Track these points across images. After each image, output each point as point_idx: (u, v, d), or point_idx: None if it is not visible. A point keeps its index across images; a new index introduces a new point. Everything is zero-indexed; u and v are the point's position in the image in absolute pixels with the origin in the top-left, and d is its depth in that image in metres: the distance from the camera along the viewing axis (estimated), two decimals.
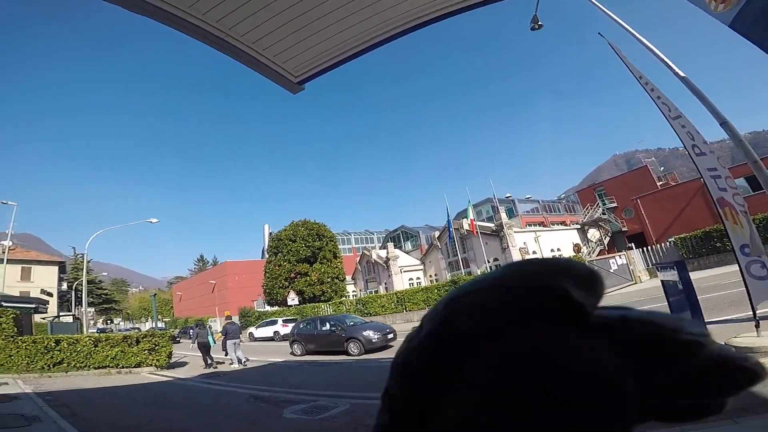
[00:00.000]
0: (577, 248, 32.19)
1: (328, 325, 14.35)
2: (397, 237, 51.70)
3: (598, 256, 29.15)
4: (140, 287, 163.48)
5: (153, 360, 13.79)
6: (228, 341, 13.38)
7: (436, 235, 36.92)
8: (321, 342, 14.11)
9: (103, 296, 65.46)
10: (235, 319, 38.01)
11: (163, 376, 12.58)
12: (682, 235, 21.76)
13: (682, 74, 6.23)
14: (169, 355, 14.32)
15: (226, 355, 13.61)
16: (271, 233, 40.64)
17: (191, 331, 21.92)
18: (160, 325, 44.81)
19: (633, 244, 28.02)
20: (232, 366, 13.16)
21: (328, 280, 33.78)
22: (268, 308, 37.09)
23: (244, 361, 13.25)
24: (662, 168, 45.19)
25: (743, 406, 3.64)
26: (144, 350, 13.77)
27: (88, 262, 30.26)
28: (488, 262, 29.49)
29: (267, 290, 35.13)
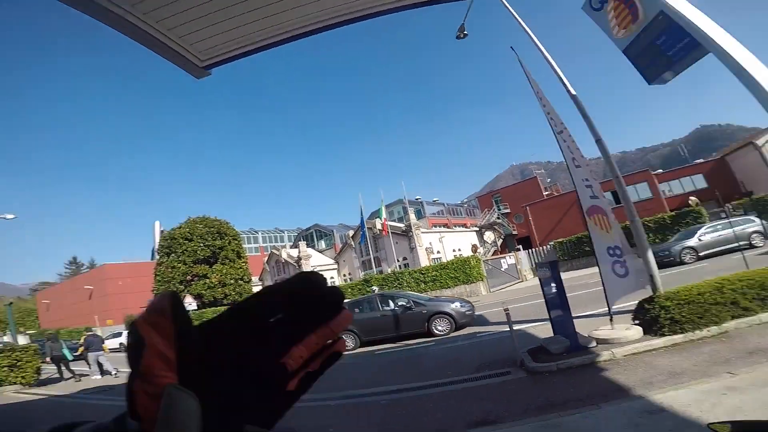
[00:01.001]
0: (474, 248, 35.11)
1: (392, 303, 11.62)
2: (310, 236, 50.88)
3: (492, 256, 32.20)
4: None
5: (17, 377, 11.98)
6: (90, 354, 12.94)
7: (351, 234, 37.19)
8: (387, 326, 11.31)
9: None
10: (120, 327, 33.82)
11: (33, 394, 11.05)
12: (561, 240, 25.19)
13: (573, 92, 7.25)
14: (38, 371, 12.62)
15: (90, 368, 13.18)
16: (162, 231, 36.62)
17: (44, 344, 19.29)
18: (22, 339, 37.59)
19: (521, 246, 31.67)
20: (95, 377, 12.83)
21: (231, 282, 31.62)
22: None
23: (115, 373, 12.50)
24: (549, 179, 51.72)
25: (603, 393, 4.26)
26: (2, 367, 11.70)
27: None
28: (398, 261, 30.68)
29: (157, 295, 31.95)
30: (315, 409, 6.11)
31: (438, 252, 32.36)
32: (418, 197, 46.07)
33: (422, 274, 21.47)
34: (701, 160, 40.65)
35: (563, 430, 3.47)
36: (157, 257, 33.41)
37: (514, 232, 41.34)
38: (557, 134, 6.91)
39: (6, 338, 46.94)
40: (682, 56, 7.76)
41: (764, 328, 5.46)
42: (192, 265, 30.94)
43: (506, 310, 6.45)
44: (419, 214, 41.73)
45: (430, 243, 31.98)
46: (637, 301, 6.36)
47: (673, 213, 22.40)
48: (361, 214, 30.10)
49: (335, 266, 38.38)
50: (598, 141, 6.87)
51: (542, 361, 5.67)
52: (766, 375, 3.75)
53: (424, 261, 28.94)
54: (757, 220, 15.78)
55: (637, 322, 6.10)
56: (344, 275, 37.14)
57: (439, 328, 10.60)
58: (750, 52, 6.68)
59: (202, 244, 31.27)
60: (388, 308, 11.53)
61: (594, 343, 5.80)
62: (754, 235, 15.11)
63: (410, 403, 5.62)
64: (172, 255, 31.40)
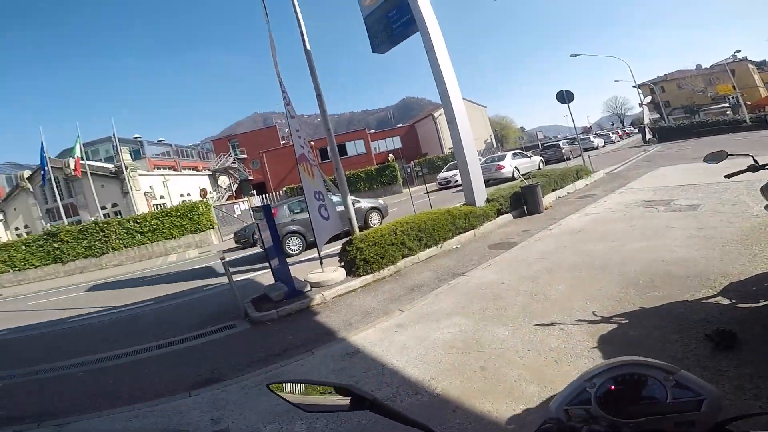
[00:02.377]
0: (203, 192, 32.82)
1: None
2: None
3: (226, 201, 31.06)
4: None
5: None
6: None
7: (26, 176, 27.18)
8: None
9: None
10: None
11: None
12: (292, 186, 26.94)
13: (308, 47, 7.37)
14: None
15: None
16: None
17: None
18: None
19: (256, 191, 31.81)
20: None
21: None
22: None
23: None
24: (287, 130, 52.99)
25: (316, 337, 4.62)
26: None
27: None
28: (105, 208, 25.01)
29: None
30: None
31: (162, 197, 28.40)
32: (136, 136, 37.90)
33: (138, 223, 18.30)
34: (401, 125, 52.01)
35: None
36: None
37: (250, 178, 41.06)
38: (280, 84, 7.01)
39: None
40: (400, 31, 9.35)
41: (421, 265, 6.67)
42: None
43: (222, 259, 6.31)
44: (137, 155, 34.63)
45: (151, 187, 27.60)
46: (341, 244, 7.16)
47: (377, 167, 28.25)
48: (42, 151, 22.33)
49: (0, 217, 27.53)
50: (319, 96, 7.41)
51: (265, 310, 5.84)
52: (420, 310, 4.40)
53: (143, 207, 24.79)
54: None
55: (342, 264, 6.92)
56: (17, 228, 27.33)
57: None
58: (441, 36, 8.70)
59: None
60: None
61: (309, 287, 6.31)
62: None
63: (121, 370, 4.95)
64: None
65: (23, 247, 17.83)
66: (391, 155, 34.99)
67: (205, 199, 24.07)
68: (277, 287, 6.40)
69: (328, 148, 7.83)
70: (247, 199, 25.67)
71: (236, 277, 7.31)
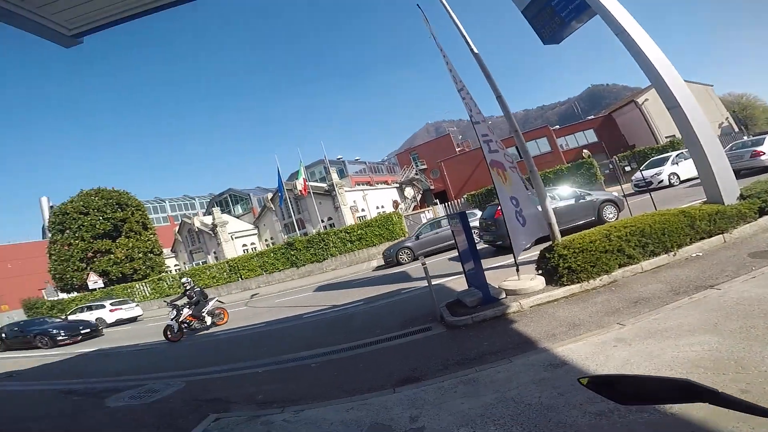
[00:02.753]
0: (395, 204, 36.18)
1: None
2: (225, 201, 47.80)
3: (413, 211, 33.49)
4: None
5: None
6: None
7: (269, 197, 35.74)
8: None
9: None
10: (19, 312, 29.65)
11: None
12: (473, 192, 26.89)
13: (476, 51, 7.40)
14: None
15: None
16: (52, 207, 32.04)
17: None
18: None
19: (438, 200, 33.25)
20: None
21: (140, 255, 29.05)
22: (64, 296, 29.89)
23: None
24: (461, 136, 54.16)
25: (513, 345, 4.53)
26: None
27: None
28: (322, 221, 30.43)
29: (56, 275, 28.14)
30: (241, 378, 6.04)
31: (363, 210, 32.70)
32: (339, 157, 45.37)
33: (348, 233, 21.59)
34: (592, 117, 45.61)
35: (480, 384, 3.64)
36: (50, 235, 29.41)
37: (432, 187, 43.21)
38: (459, 91, 7.01)
39: None
40: (572, 17, 8.29)
41: (646, 276, 5.79)
42: (92, 240, 27.81)
43: (424, 264, 6.69)
44: (342, 173, 41.29)
45: (354, 201, 32.11)
46: (539, 251, 6.72)
47: (569, 165, 25.29)
48: (279, 175, 28.90)
49: (255, 231, 36.97)
50: (499, 98, 7.14)
51: (459, 315, 5.94)
52: (649, 326, 3.92)
53: (349, 220, 29.10)
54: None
55: (540, 271, 6.47)
56: (266, 240, 36.02)
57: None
58: (630, 16, 7.38)
59: (100, 218, 28.11)
60: None
61: (504, 295, 6.14)
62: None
63: (341, 363, 5.67)
64: (67, 231, 27.96)
65: (271, 254, 23.21)
66: (585, 150, 31.12)
67: (397, 210, 26.57)
68: (472, 293, 6.44)
69: (517, 149, 7.42)
70: (431, 208, 27.07)
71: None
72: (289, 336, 8.49)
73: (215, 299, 11.88)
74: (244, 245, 35.30)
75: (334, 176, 31.65)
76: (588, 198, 11.23)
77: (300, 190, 30.97)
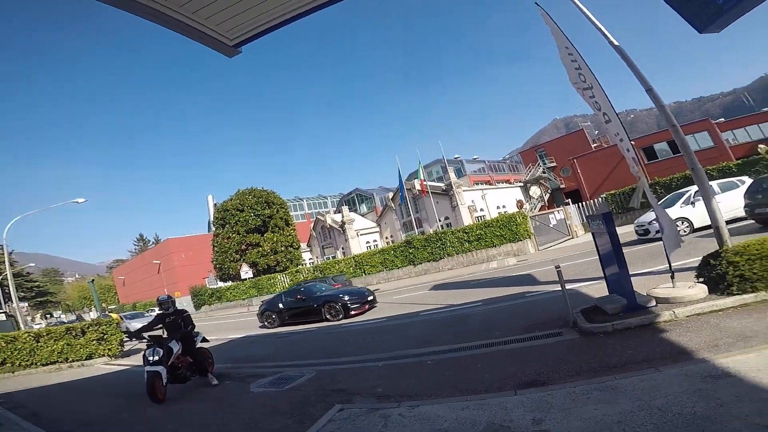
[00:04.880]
0: (519, 204, 34.09)
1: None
2: (352, 200, 51.63)
3: (539, 211, 31.11)
4: (76, 275, 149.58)
5: (104, 350, 12.99)
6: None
7: (390, 197, 37.31)
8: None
9: (35, 289, 60.37)
10: (187, 298, 36.83)
11: (118, 365, 11.97)
12: (613, 192, 23.65)
13: (616, 43, 6.60)
14: (121, 343, 13.59)
15: None
16: (216, 204, 38.53)
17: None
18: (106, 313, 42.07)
19: (570, 200, 30.21)
20: None
21: (282, 249, 33.16)
22: (221, 284, 35.98)
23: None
24: (597, 132, 48.43)
25: (663, 355, 4.09)
26: (92, 341, 12.91)
27: (10, 253, 27.39)
28: (440, 220, 30.54)
29: (217, 265, 33.86)
30: (363, 371, 6.38)
31: (481, 210, 31.76)
32: (457, 156, 44.90)
33: (466, 233, 21.20)
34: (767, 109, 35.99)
35: (619, 392, 3.37)
36: (213, 229, 35.60)
37: (562, 186, 39.53)
38: (584, 90, 6.42)
39: (92, 314, 52.86)
40: (732, 4, 6.62)
41: None
42: (245, 234, 32.72)
43: (557, 267, 6.22)
44: (459, 173, 40.77)
45: (473, 201, 31.38)
46: (701, 257, 5.89)
47: (739, 161, 20.56)
48: (399, 176, 29.89)
49: (377, 229, 38.95)
50: (649, 91, 6.28)
51: (597, 322, 5.48)
52: None
53: (467, 219, 28.59)
54: None
55: (701, 279, 5.67)
56: (386, 237, 37.66)
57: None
58: None
59: (252, 214, 32.85)
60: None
61: (653, 303, 5.50)
62: None
63: (457, 363, 5.67)
64: (227, 226, 33.32)
65: (392, 251, 24.15)
66: (761, 146, 25.03)
67: (521, 210, 25.06)
68: (614, 299, 5.83)
69: (679, 145, 6.34)
70: (562, 208, 24.71)
71: (559, 287, 7.10)
72: (407, 332, 8.66)
73: (200, 335, 7.83)
74: (368, 242, 37.56)
75: (452, 176, 31.45)
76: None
77: (418, 190, 31.62)
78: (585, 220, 23.61)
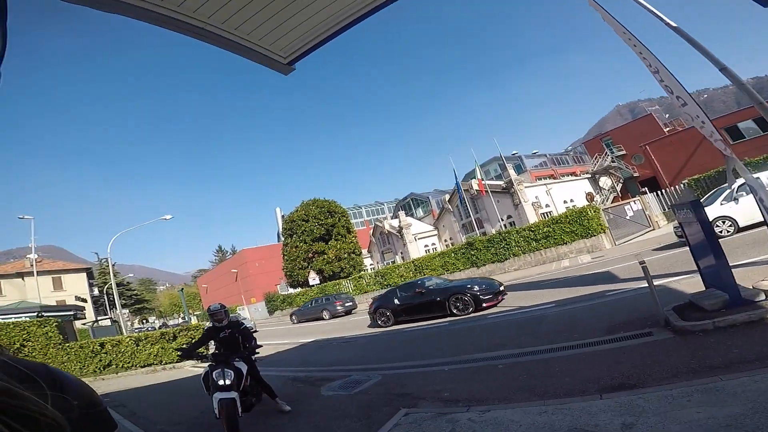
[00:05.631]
0: (590, 197, 31.88)
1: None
2: (408, 205, 51.76)
3: (612, 203, 28.87)
4: (166, 284, 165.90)
5: None
6: None
7: (447, 199, 36.86)
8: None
9: (134, 297, 67.91)
10: (261, 304, 39.28)
11: (204, 368, 12.98)
12: (696, 177, 21.29)
13: (674, 24, 6.02)
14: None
15: None
16: (283, 216, 40.71)
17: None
18: (192, 318, 46.03)
19: (646, 188, 27.64)
20: None
21: (345, 255, 34.16)
22: (291, 291, 37.91)
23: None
24: (667, 115, 44.00)
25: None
26: (182, 345, 14.13)
27: (113, 265, 31.07)
28: (502, 220, 29.49)
29: (287, 273, 35.71)
30: (430, 374, 6.29)
31: (547, 206, 30.22)
32: (515, 152, 43.19)
33: (532, 231, 20.27)
34: None
35: (726, 394, 3.03)
36: (282, 239, 37.69)
37: (636, 174, 36.31)
38: (654, 73, 5.97)
39: (179, 320, 58.12)
40: None
41: None
42: (311, 243, 34.24)
43: (642, 263, 5.74)
44: (519, 169, 39.23)
45: (537, 197, 29.96)
46: None
47: None
48: (455, 176, 29.40)
49: (435, 232, 38.62)
50: (723, 69, 5.58)
51: (693, 320, 4.99)
52: None
53: (532, 217, 27.34)
54: None
55: None
56: (445, 240, 37.16)
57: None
58: None
59: (316, 224, 34.30)
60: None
61: (762, 296, 4.91)
62: None
63: (532, 365, 5.42)
64: (294, 236, 35.13)
65: (452, 254, 23.81)
66: None
67: (592, 203, 23.44)
68: (712, 294, 5.25)
69: (761, 122, 5.59)
70: (639, 198, 22.69)
71: (644, 284, 6.52)
72: (473, 336, 8.48)
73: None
74: (426, 246, 37.34)
75: (511, 172, 30.31)
76: None
77: (476, 190, 30.84)
78: (667, 209, 21.49)
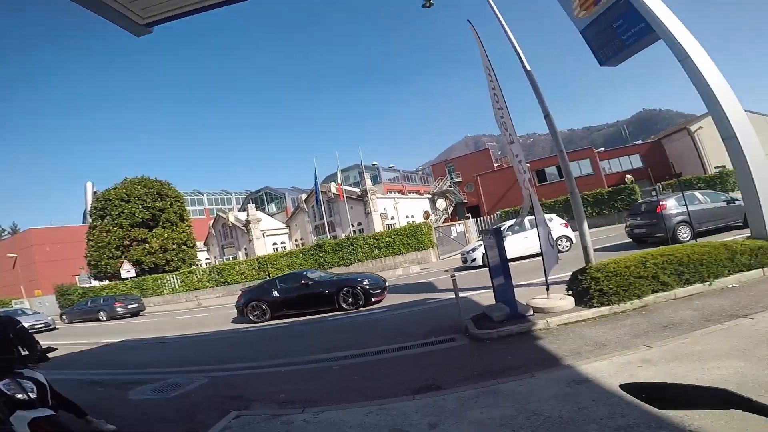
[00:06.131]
0: (426, 215, 36.01)
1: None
2: (260, 198, 49.33)
3: (443, 223, 33.23)
4: None
5: None
6: None
7: (303, 198, 36.51)
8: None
9: None
10: (50, 298, 31.23)
11: None
12: (507, 209, 26.44)
13: (528, 68, 7.38)
14: None
15: None
16: (96, 192, 32.92)
17: None
18: None
19: (470, 214, 32.85)
20: None
21: (174, 247, 29.98)
22: (95, 283, 31.11)
23: None
24: (500, 152, 53.59)
25: (538, 361, 4.54)
26: None
27: None
28: (352, 226, 30.76)
29: (92, 262, 29.27)
30: (265, 375, 6.14)
31: (392, 218, 32.81)
32: (374, 163, 45.90)
33: (376, 239, 21.68)
34: (640, 142, 44.26)
35: (500, 396, 3.67)
36: (90, 220, 30.88)
37: (465, 201, 42.81)
38: (497, 110, 7.04)
39: None
40: (634, 40, 8.14)
41: (678, 303, 5.86)
42: (129, 228, 28.94)
43: (453, 276, 6.68)
44: (375, 180, 41.68)
45: (385, 208, 32.28)
46: (571, 272, 6.82)
47: (610, 189, 24.51)
48: (315, 177, 29.44)
49: (287, 231, 37.81)
50: (547, 116, 7.12)
51: (485, 329, 5.95)
52: (676, 349, 4.05)
53: (378, 226, 29.25)
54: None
55: (570, 292, 6.48)
56: (296, 240, 36.74)
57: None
58: (696, 41, 7.16)
59: (140, 206, 29.22)
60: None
61: (531, 312, 6.14)
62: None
63: (362, 367, 5.72)
64: (107, 218, 29.19)
65: (300, 254, 23.44)
66: (628, 176, 30.15)
67: (427, 221, 26.46)
68: (499, 308, 6.40)
69: (562, 170, 7.26)
70: (462, 222, 26.76)
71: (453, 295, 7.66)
72: (312, 338, 8.61)
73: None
74: (275, 244, 36.13)
75: (368, 182, 31.98)
76: (738, 202, 11.47)
77: (334, 193, 31.51)
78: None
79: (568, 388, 3.59)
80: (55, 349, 4.52)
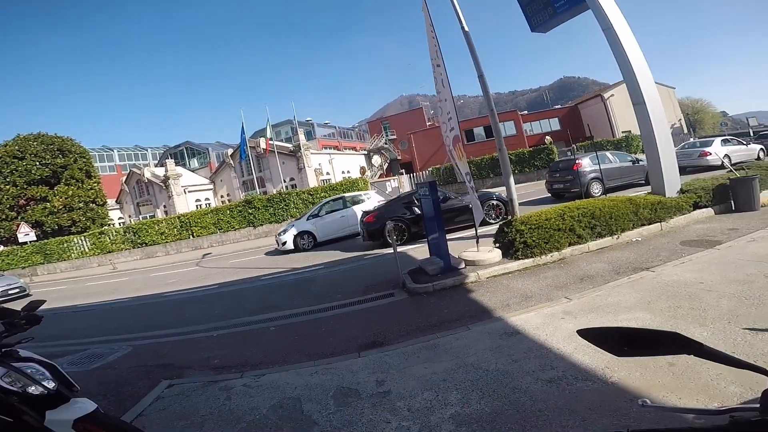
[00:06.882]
0: (362, 171, 35.84)
1: None
2: (180, 153, 45.20)
3: (378, 178, 33.36)
4: None
5: None
6: None
7: (229, 153, 34.30)
8: None
9: None
10: None
11: None
12: (438, 166, 27.34)
13: (466, 29, 7.26)
14: None
15: None
16: None
17: None
18: None
19: (404, 170, 33.36)
20: None
21: (81, 205, 26.77)
22: None
23: None
24: (432, 111, 54.04)
25: (471, 314, 4.72)
26: None
27: None
28: (285, 181, 29.64)
29: None
30: (197, 341, 5.82)
31: (327, 174, 32.17)
32: (309, 119, 43.97)
33: (310, 195, 21.16)
34: (559, 106, 47.35)
35: (440, 350, 3.78)
36: None
37: (399, 158, 43.21)
38: (435, 67, 7.01)
39: None
40: (565, 9, 8.43)
41: (591, 256, 6.26)
42: (25, 186, 25.28)
43: (388, 233, 6.77)
44: (309, 136, 40.16)
45: (320, 164, 31.48)
46: (498, 225, 7.15)
47: (531, 149, 26.30)
48: (242, 131, 27.49)
49: (211, 186, 35.52)
50: (480, 77, 7.19)
51: (421, 282, 6.08)
52: (592, 301, 4.29)
53: (312, 182, 28.55)
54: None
55: (497, 245, 6.77)
56: (221, 196, 34.73)
57: None
58: (621, 13, 7.54)
59: (38, 163, 25.55)
60: None
61: (463, 265, 6.36)
62: None
63: (302, 327, 5.60)
64: None
65: (228, 211, 22.14)
66: (548, 137, 32.30)
67: (363, 176, 26.31)
68: (433, 261, 6.60)
69: (492, 129, 7.46)
70: (396, 177, 27.10)
71: (390, 250, 7.74)
72: (246, 299, 8.27)
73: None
74: (198, 200, 33.77)
75: (302, 137, 30.64)
76: (641, 163, 12.60)
77: (263, 148, 29.81)
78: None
79: (501, 341, 3.75)
80: (44, 302, 3.10)
